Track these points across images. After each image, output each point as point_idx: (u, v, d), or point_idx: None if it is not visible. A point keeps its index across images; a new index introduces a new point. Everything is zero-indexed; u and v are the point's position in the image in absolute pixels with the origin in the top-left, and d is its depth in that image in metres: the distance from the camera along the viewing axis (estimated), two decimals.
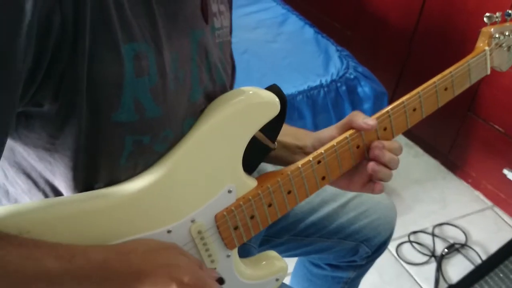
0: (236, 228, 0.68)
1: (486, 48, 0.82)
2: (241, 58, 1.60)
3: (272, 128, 0.72)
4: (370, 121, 0.73)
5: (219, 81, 0.69)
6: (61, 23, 0.47)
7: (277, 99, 0.67)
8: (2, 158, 0.54)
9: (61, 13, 0.47)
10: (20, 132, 0.54)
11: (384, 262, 1.74)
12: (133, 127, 0.56)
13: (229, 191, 0.66)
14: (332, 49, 1.68)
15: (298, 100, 1.46)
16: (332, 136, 0.74)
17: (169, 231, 0.63)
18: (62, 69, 0.50)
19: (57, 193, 0.60)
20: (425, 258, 1.77)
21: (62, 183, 0.58)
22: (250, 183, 0.68)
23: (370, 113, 1.59)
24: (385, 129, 0.76)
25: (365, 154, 0.76)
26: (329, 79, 1.53)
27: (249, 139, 0.66)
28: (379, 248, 1.02)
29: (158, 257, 0.57)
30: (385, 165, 0.74)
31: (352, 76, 1.56)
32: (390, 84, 2.25)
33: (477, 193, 2.08)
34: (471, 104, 1.94)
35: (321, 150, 0.72)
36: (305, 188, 0.72)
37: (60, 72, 0.50)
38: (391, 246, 1.81)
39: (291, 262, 1.17)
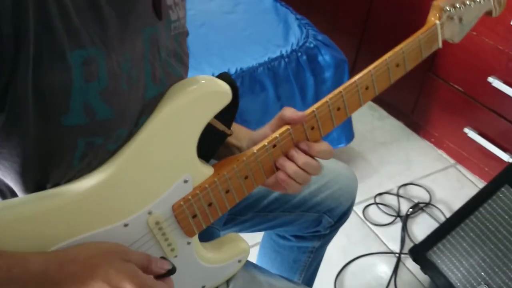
0: (194, 216, 0.69)
1: (437, 22, 0.82)
2: (199, 31, 1.58)
3: (226, 114, 0.72)
4: (299, 113, 0.72)
5: (175, 74, 0.68)
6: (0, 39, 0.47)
7: (228, 87, 0.67)
8: None
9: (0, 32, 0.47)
10: None
11: (351, 225, 1.79)
12: (84, 129, 0.56)
13: (185, 181, 0.67)
14: (291, 17, 1.66)
15: (259, 73, 1.46)
16: (265, 135, 0.74)
17: (125, 225, 0.63)
18: (5, 80, 0.49)
19: (13, 193, 0.60)
20: (390, 219, 1.82)
21: (13, 185, 0.58)
22: (206, 171, 0.69)
23: (332, 81, 1.60)
24: (338, 109, 0.76)
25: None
26: (289, 49, 1.52)
27: (202, 128, 0.66)
28: (342, 217, 1.05)
29: (99, 265, 0.57)
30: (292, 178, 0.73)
31: (312, 45, 1.56)
32: (351, 51, 2.26)
33: (440, 152, 2.14)
34: (431, 64, 1.97)
35: (276, 134, 0.72)
36: (262, 173, 0.73)
37: (3, 84, 0.50)
38: (358, 208, 1.86)
39: (258, 235, 1.20)
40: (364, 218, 1.83)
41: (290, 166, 0.72)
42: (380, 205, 1.88)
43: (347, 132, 1.78)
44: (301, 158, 0.72)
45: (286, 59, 1.50)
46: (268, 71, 1.47)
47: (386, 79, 0.79)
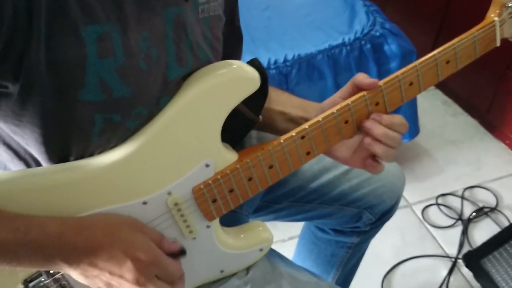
0: (214, 201, 0.69)
1: (496, 18, 0.75)
2: (263, 14, 1.56)
3: (255, 102, 0.71)
4: (372, 79, 0.68)
5: (203, 58, 0.68)
6: (13, 13, 0.49)
7: (257, 75, 0.65)
8: None
9: (13, 4, 0.48)
10: None
11: (407, 224, 1.73)
12: (101, 105, 0.57)
13: (207, 165, 0.67)
14: (359, 4, 1.60)
15: (318, 60, 1.42)
16: (334, 102, 0.71)
17: (144, 203, 0.65)
18: (19, 53, 0.51)
19: (38, 163, 0.63)
20: (451, 222, 1.73)
21: (37, 155, 0.61)
22: (230, 157, 0.68)
23: None
24: (377, 103, 0.73)
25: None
26: (352, 37, 1.47)
27: (227, 114, 0.66)
28: (383, 216, 1.01)
29: (116, 233, 0.59)
30: (379, 141, 0.70)
31: (378, 34, 1.49)
32: (429, 39, 2.14)
33: None
34: (510, 62, 1.82)
35: (305, 125, 0.70)
36: (288, 163, 0.71)
37: (17, 56, 0.51)
38: (417, 208, 1.78)
39: (299, 225, 1.19)
40: (422, 218, 1.75)
41: (377, 128, 0.68)
42: (441, 206, 1.78)
43: (411, 127, 1.70)
44: (379, 128, 0.69)
45: (348, 47, 1.45)
46: (328, 58, 1.43)
47: (434, 75, 0.74)
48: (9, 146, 0.62)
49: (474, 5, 1.90)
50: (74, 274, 0.59)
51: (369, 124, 0.70)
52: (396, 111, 1.67)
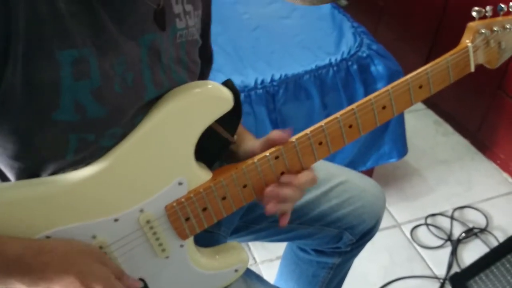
0: (187, 219, 0.69)
1: (469, 44, 0.77)
2: (251, 35, 1.58)
3: (230, 122, 0.72)
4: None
5: (179, 81, 0.69)
6: None
7: (230, 95, 0.67)
8: None
9: None
10: None
11: (396, 244, 1.72)
12: (75, 125, 0.58)
13: (180, 183, 0.67)
14: (347, 25, 1.62)
15: (305, 80, 1.43)
16: (253, 152, 0.73)
17: (116, 220, 0.65)
18: None
19: (6, 179, 0.63)
20: (440, 242, 1.72)
21: (7, 171, 0.61)
22: (203, 175, 0.69)
23: None
24: (350, 126, 0.73)
25: (329, 150, 0.74)
26: (339, 57, 1.48)
27: (200, 132, 0.67)
28: (364, 236, 1.00)
29: (75, 261, 0.59)
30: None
31: (364, 55, 1.51)
32: (420, 58, 2.16)
33: (505, 175, 1.99)
34: (501, 81, 1.83)
35: (280, 146, 0.71)
36: (262, 183, 0.72)
37: None
38: (406, 228, 1.78)
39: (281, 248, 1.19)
40: (411, 239, 1.74)
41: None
42: (430, 227, 1.78)
43: (399, 147, 1.71)
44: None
45: (335, 68, 1.47)
46: (315, 79, 1.44)
47: (407, 100, 0.75)
48: None
49: (465, 26, 1.92)
50: None
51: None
52: (384, 130, 1.68)
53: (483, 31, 0.78)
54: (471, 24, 0.78)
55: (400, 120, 1.64)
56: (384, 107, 0.73)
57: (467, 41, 0.78)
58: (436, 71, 0.75)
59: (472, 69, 0.79)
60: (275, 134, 0.71)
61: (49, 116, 0.56)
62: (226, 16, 1.68)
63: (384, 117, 0.75)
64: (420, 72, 0.74)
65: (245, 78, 1.40)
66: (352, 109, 0.72)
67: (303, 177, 0.72)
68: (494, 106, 1.93)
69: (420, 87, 0.75)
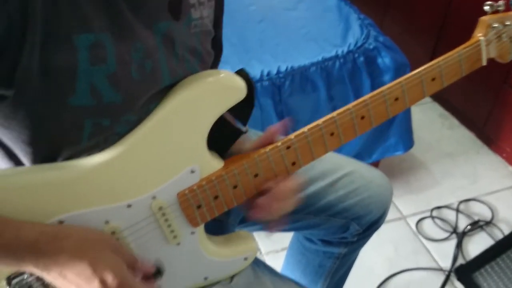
0: (199, 207, 0.70)
1: (481, 38, 0.77)
2: (258, 26, 1.59)
3: (242, 112, 0.73)
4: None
5: (191, 70, 0.70)
6: (8, 22, 0.51)
7: (243, 85, 0.67)
8: None
9: (7, 13, 0.50)
10: None
11: (401, 236, 1.73)
12: (90, 110, 0.59)
13: (192, 171, 0.68)
14: (354, 17, 1.62)
15: (311, 72, 1.44)
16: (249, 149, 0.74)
17: (129, 206, 0.66)
18: (12, 60, 0.53)
19: (21, 164, 0.64)
20: (445, 235, 1.73)
21: (23, 156, 0.62)
22: (215, 164, 0.70)
23: None
24: (362, 117, 0.73)
25: (341, 141, 0.74)
26: (346, 49, 1.49)
27: (213, 121, 0.67)
28: (371, 226, 1.01)
29: (88, 249, 0.60)
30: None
31: (371, 47, 1.51)
32: (426, 51, 2.16)
33: (511, 168, 1.99)
34: (507, 75, 1.83)
35: (292, 136, 0.72)
36: (274, 172, 0.72)
37: (10, 63, 0.53)
38: (411, 220, 1.78)
39: (287, 239, 1.19)
40: (416, 231, 1.75)
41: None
42: (436, 219, 1.78)
43: (405, 139, 1.71)
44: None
45: (341, 60, 1.47)
46: (321, 71, 1.45)
47: (419, 92, 0.76)
48: (0, 144, 0.64)
49: (472, 18, 1.91)
50: (46, 278, 0.59)
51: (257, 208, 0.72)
52: (390, 123, 1.68)
53: (495, 25, 0.78)
54: (483, 18, 0.78)
55: (406, 113, 1.65)
56: (396, 99, 0.74)
57: (480, 34, 0.78)
58: (449, 64, 0.75)
59: (484, 62, 0.79)
60: (270, 129, 0.72)
61: (65, 101, 0.57)
62: (233, 7, 1.68)
63: (396, 109, 0.75)
64: (432, 64, 0.74)
65: (251, 70, 1.40)
66: (365, 100, 0.72)
67: (286, 185, 0.72)
68: (500, 100, 1.93)
69: (433, 79, 0.75)
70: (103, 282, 0.58)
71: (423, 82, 0.75)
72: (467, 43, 0.78)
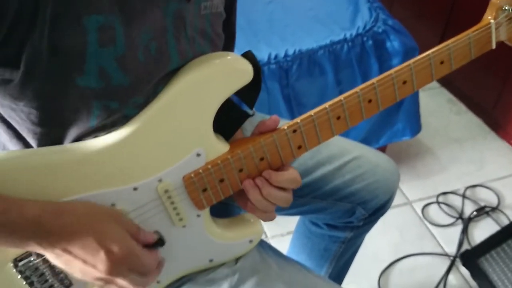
0: (204, 190, 0.70)
1: (492, 21, 0.76)
2: (266, 8, 1.57)
3: (249, 95, 0.72)
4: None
5: (201, 53, 0.69)
6: (19, 2, 0.50)
7: (250, 67, 0.66)
8: None
9: None
10: None
11: (407, 222, 1.73)
12: (99, 92, 0.59)
13: (198, 155, 0.68)
14: (363, 0, 1.60)
15: (319, 55, 1.43)
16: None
17: (135, 188, 0.66)
18: (21, 40, 0.53)
19: (29, 145, 0.64)
20: (451, 220, 1.73)
21: (30, 138, 0.62)
22: (221, 147, 0.69)
23: None
24: (370, 101, 0.72)
25: (348, 125, 0.73)
26: (354, 33, 1.47)
27: (219, 104, 0.67)
28: (377, 211, 1.01)
29: (93, 222, 0.60)
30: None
31: (380, 30, 1.49)
32: (435, 36, 2.14)
33: None
34: None
35: (298, 119, 0.71)
36: (279, 156, 0.72)
37: (19, 43, 0.53)
38: (417, 206, 1.78)
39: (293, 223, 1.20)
40: (422, 216, 1.75)
41: (253, 193, 0.70)
42: (442, 205, 1.78)
43: (413, 124, 1.70)
44: (265, 188, 0.70)
45: (350, 43, 1.45)
46: (329, 54, 1.43)
47: (428, 75, 0.75)
48: (9, 126, 0.64)
49: (481, 2, 1.89)
50: (49, 257, 0.60)
51: (247, 184, 0.70)
52: (398, 108, 1.67)
53: (506, 7, 0.76)
54: (494, 1, 0.77)
55: (414, 98, 1.63)
56: (404, 82, 0.73)
57: (490, 17, 0.77)
58: (458, 47, 0.74)
59: (493, 46, 0.78)
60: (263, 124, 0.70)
61: (73, 82, 0.57)
62: None
63: (404, 92, 0.74)
64: (442, 47, 0.73)
65: (259, 53, 1.39)
66: (373, 83, 0.71)
67: (285, 175, 0.70)
68: (508, 85, 1.91)
69: (442, 62, 0.74)
70: (109, 253, 0.58)
71: (432, 65, 0.74)
72: (477, 26, 0.77)
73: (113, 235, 0.60)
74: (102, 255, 0.58)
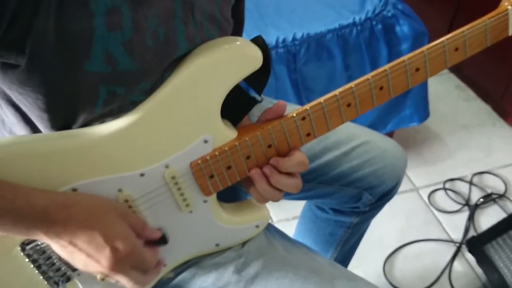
0: (211, 176, 0.70)
1: (509, 7, 0.74)
2: None
3: (258, 81, 0.71)
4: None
5: (210, 38, 0.68)
6: None
7: (260, 53, 0.66)
8: None
9: None
10: None
11: (413, 208, 1.73)
12: (105, 77, 0.58)
13: (205, 141, 0.68)
14: None
15: (327, 39, 1.41)
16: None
17: (142, 174, 0.66)
18: (26, 23, 0.52)
19: (37, 130, 0.64)
20: (457, 207, 1.72)
21: (38, 122, 0.62)
22: (229, 134, 0.69)
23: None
24: (381, 88, 0.71)
25: (358, 112, 0.73)
26: (363, 16, 1.45)
27: (228, 90, 0.66)
28: (384, 197, 1.01)
29: (99, 217, 0.60)
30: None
31: (389, 14, 1.47)
32: (444, 21, 2.10)
33: None
34: None
35: (307, 106, 0.70)
36: (287, 143, 0.71)
37: (24, 26, 0.52)
38: (424, 192, 1.78)
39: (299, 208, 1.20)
40: (428, 202, 1.74)
41: (260, 183, 0.69)
42: (448, 191, 1.78)
43: (420, 111, 1.69)
44: (274, 176, 0.69)
45: (359, 27, 1.44)
46: (338, 38, 1.42)
47: (442, 62, 0.73)
48: (17, 109, 0.64)
49: None
50: (54, 247, 0.60)
51: (254, 173, 0.69)
52: (406, 94, 1.66)
53: None
54: None
55: (423, 84, 1.62)
56: (417, 69, 0.72)
57: (507, 3, 0.75)
58: (474, 33, 0.73)
59: (510, 33, 0.77)
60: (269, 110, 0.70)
61: (81, 67, 0.56)
62: None
63: (416, 80, 0.73)
64: (457, 34, 0.72)
65: (266, 37, 1.38)
66: (385, 70, 0.70)
67: (292, 160, 0.69)
68: None
69: (456, 49, 0.73)
70: (114, 250, 0.59)
71: (446, 52, 0.72)
72: (494, 12, 0.75)
73: (119, 232, 0.60)
74: (107, 251, 0.58)
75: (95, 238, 0.58)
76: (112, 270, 0.60)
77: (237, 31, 0.83)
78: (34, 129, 0.65)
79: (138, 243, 0.62)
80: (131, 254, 0.60)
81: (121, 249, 0.59)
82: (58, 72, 0.56)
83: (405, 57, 0.70)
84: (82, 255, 0.59)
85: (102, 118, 0.63)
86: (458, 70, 2.24)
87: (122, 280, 0.62)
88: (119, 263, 0.60)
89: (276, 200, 0.71)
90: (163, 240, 0.67)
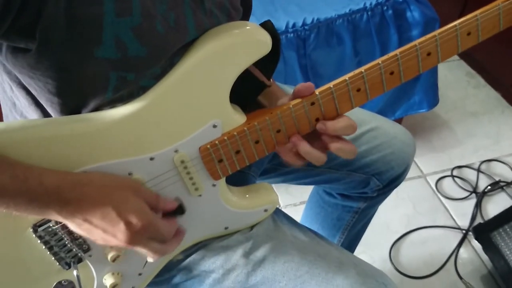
0: (220, 161, 0.70)
1: None
2: None
3: (267, 65, 0.71)
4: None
5: (218, 25, 0.68)
6: None
7: (269, 38, 0.65)
8: (5, 72, 0.61)
9: None
10: (7, 57, 0.58)
11: (420, 194, 1.73)
12: (116, 63, 0.59)
13: (214, 126, 0.68)
14: None
15: (337, 25, 1.40)
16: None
17: (151, 158, 0.67)
18: (37, 8, 0.52)
19: (48, 115, 0.65)
20: (465, 194, 1.72)
21: (48, 107, 0.63)
22: (238, 119, 0.69)
23: None
24: (391, 73, 0.71)
25: (367, 97, 0.72)
26: (374, 1, 1.44)
27: (237, 75, 0.66)
28: (392, 182, 1.01)
29: (111, 193, 0.61)
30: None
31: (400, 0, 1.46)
32: (456, 7, 2.08)
33: None
34: None
35: (316, 91, 0.70)
36: (296, 128, 0.72)
37: (35, 11, 0.53)
38: (431, 179, 1.78)
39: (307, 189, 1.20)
40: (436, 189, 1.74)
41: (302, 146, 0.70)
42: (456, 178, 1.78)
43: (430, 97, 1.68)
44: (333, 143, 0.71)
45: (369, 12, 1.43)
46: (348, 23, 1.41)
47: (453, 47, 0.73)
48: (28, 92, 0.64)
49: None
50: (70, 226, 0.61)
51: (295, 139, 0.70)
52: (415, 80, 1.65)
53: None
54: None
55: (433, 71, 1.61)
56: (429, 54, 0.71)
57: None
58: (487, 17, 0.72)
59: None
60: (299, 86, 0.70)
61: (91, 52, 0.57)
62: None
63: (427, 64, 0.72)
64: (470, 17, 0.71)
65: (276, 21, 1.37)
66: (396, 54, 0.69)
67: (340, 122, 0.70)
68: None
69: (469, 34, 0.72)
70: (128, 224, 0.60)
71: (458, 36, 0.72)
72: None
73: (132, 207, 0.61)
74: (121, 226, 0.59)
75: (108, 213, 0.59)
76: (129, 243, 0.61)
77: (245, 16, 0.83)
78: (45, 113, 0.65)
79: (152, 216, 0.63)
80: (146, 226, 0.61)
81: (135, 222, 0.60)
82: (68, 58, 0.56)
83: (416, 42, 0.70)
84: (99, 231, 0.60)
85: (112, 103, 0.63)
86: (468, 57, 2.22)
87: (142, 251, 0.64)
88: (135, 236, 0.61)
89: (321, 162, 0.72)
90: (180, 210, 0.68)
